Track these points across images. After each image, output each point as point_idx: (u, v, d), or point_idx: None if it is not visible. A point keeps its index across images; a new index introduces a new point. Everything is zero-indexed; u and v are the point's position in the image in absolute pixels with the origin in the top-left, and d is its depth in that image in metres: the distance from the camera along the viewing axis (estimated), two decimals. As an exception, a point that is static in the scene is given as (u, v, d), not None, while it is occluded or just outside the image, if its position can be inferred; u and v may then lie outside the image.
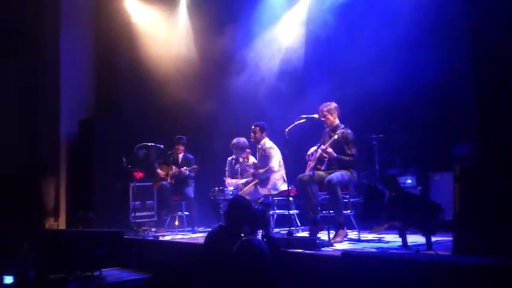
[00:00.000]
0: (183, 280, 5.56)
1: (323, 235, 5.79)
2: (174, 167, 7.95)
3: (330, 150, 5.81)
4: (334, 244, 5.40)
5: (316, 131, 6.41)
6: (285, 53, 8.52)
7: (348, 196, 6.01)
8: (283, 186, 6.57)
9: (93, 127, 9.15)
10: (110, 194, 8.73)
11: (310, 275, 4.63)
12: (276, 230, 6.65)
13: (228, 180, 7.53)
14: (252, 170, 7.01)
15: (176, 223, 8.06)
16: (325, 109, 6.02)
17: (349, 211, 5.98)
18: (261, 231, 4.78)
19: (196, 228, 7.61)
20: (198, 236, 6.96)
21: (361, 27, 7.20)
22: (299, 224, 6.67)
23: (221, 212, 6.97)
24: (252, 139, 7.03)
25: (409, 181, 6.81)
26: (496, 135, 4.17)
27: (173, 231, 7.65)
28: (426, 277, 3.36)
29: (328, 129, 6.12)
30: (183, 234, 7.41)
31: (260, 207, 5.01)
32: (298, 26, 8.48)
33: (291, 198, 6.49)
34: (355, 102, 6.25)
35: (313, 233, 5.81)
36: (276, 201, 6.82)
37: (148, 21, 9.71)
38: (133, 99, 9.36)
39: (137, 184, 8.34)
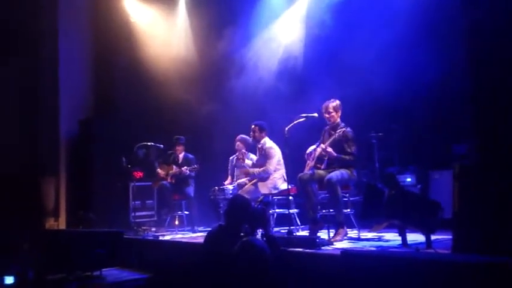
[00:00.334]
0: (183, 280, 5.57)
1: (323, 234, 5.79)
2: (174, 166, 7.95)
3: (329, 149, 5.81)
4: (334, 243, 5.40)
5: (315, 129, 6.41)
6: (284, 52, 8.52)
7: (347, 195, 6.01)
8: (283, 186, 6.57)
9: (93, 127, 9.15)
10: (109, 193, 8.73)
11: (310, 274, 4.63)
12: (276, 229, 6.65)
13: (227, 182, 7.57)
14: (247, 170, 6.98)
15: (176, 222, 8.06)
16: (331, 105, 5.97)
17: (348, 210, 5.99)
18: (260, 230, 4.79)
19: (196, 228, 7.61)
20: (198, 236, 6.96)
21: (361, 26, 7.19)
22: (299, 223, 6.67)
23: (221, 212, 6.98)
24: (251, 138, 7.04)
25: (408, 179, 6.82)
26: (495, 133, 4.17)
27: (173, 231, 7.65)
28: (426, 275, 3.36)
29: (328, 127, 6.12)
30: (183, 234, 7.41)
31: (260, 206, 5.01)
32: (298, 24, 8.48)
33: (290, 197, 6.49)
34: (355, 100, 6.24)
35: (313, 232, 5.81)
36: (275, 200, 6.82)
37: (147, 20, 9.70)
38: (132, 99, 9.36)
39: (137, 184, 8.35)
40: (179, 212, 8.01)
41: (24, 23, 9.14)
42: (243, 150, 7.23)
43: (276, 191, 6.74)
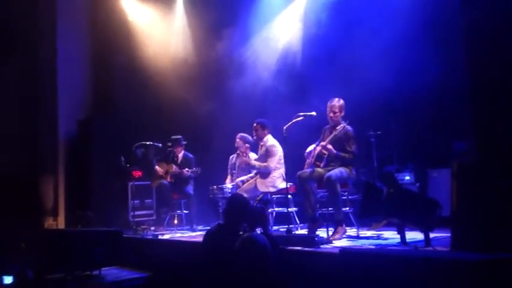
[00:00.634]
0: (183, 278, 5.57)
1: (322, 232, 5.79)
2: (174, 166, 7.93)
3: (329, 146, 5.80)
4: (333, 241, 5.40)
5: (314, 128, 6.41)
6: (282, 51, 8.53)
7: (346, 193, 6.02)
8: (282, 185, 6.57)
9: (92, 126, 9.14)
10: (108, 193, 8.74)
11: (309, 272, 4.63)
12: (274, 227, 6.66)
13: (228, 180, 7.58)
14: (250, 159, 6.94)
15: (175, 221, 8.07)
16: (337, 105, 5.94)
17: (347, 208, 5.99)
18: (259, 229, 4.80)
19: (195, 227, 7.61)
20: (197, 235, 6.96)
21: (360, 24, 7.19)
22: (298, 222, 6.68)
23: (220, 210, 6.98)
24: (254, 137, 7.03)
25: (407, 178, 6.83)
26: (493, 132, 4.17)
27: (172, 230, 7.65)
28: (424, 273, 3.36)
29: (328, 126, 6.11)
30: (182, 233, 7.42)
31: (259, 205, 5.02)
32: (296, 23, 8.48)
33: (289, 196, 6.50)
34: (354, 99, 6.24)
35: (312, 230, 5.81)
36: (274, 198, 6.82)
37: (145, 20, 9.69)
38: (131, 98, 9.35)
39: (136, 183, 8.35)
40: (178, 211, 8.01)
41: (22, 23, 9.13)
42: (247, 144, 7.19)
43: (274, 190, 6.75)
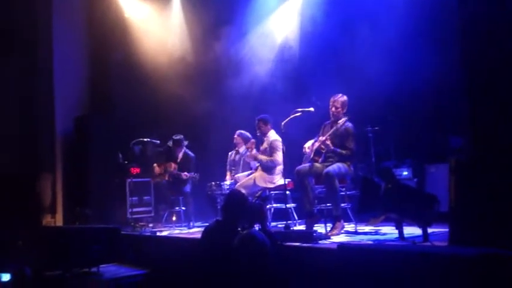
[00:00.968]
0: (181, 275, 5.57)
1: (320, 228, 5.80)
2: (173, 164, 7.90)
3: (328, 142, 5.80)
4: (331, 237, 5.41)
5: (311, 124, 6.41)
6: (279, 47, 8.52)
7: (344, 189, 6.02)
8: (280, 181, 6.57)
9: (89, 124, 9.12)
10: (106, 190, 8.73)
11: (308, 268, 4.63)
12: (273, 223, 6.66)
13: (227, 177, 7.57)
14: (256, 154, 6.92)
15: (173, 218, 8.06)
16: (340, 100, 5.94)
17: (345, 204, 6.00)
18: (257, 225, 4.80)
19: (192, 224, 7.61)
20: (195, 231, 6.96)
21: (357, 20, 7.20)
22: (296, 218, 6.68)
23: (218, 207, 6.98)
24: (257, 133, 7.02)
25: (405, 173, 6.84)
26: (491, 128, 4.18)
27: (170, 227, 7.65)
28: (423, 268, 3.36)
29: (328, 122, 6.11)
30: (180, 230, 7.42)
31: (257, 201, 5.02)
32: (293, 19, 8.48)
33: (288, 192, 6.50)
34: (351, 95, 6.23)
35: (309, 225, 5.82)
36: (273, 195, 6.83)
37: (142, 16, 9.66)
38: (128, 95, 9.32)
39: (134, 180, 8.34)
40: (176, 208, 8.00)
41: (18, 21, 9.10)
42: (253, 140, 7.17)
43: (272, 186, 6.75)
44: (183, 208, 7.91)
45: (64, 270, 5.84)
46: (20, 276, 5.76)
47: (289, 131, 6.09)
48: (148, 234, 7.06)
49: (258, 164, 6.99)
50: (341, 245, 4.35)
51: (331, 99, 6.00)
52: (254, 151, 6.94)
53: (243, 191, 5.94)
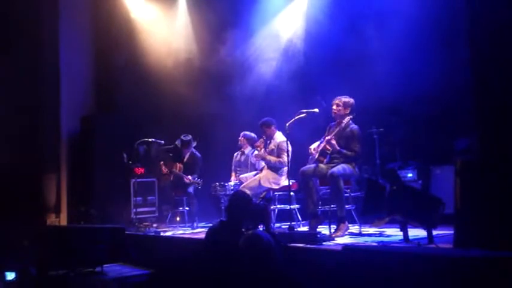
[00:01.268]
0: (185, 275, 5.57)
1: (324, 229, 5.79)
2: (178, 165, 7.91)
3: (333, 141, 5.79)
4: (336, 238, 5.40)
5: (316, 125, 6.41)
6: (285, 48, 8.51)
7: (349, 190, 6.02)
8: (285, 182, 6.57)
9: (94, 123, 9.15)
10: (111, 190, 8.74)
11: (312, 269, 4.63)
12: (277, 224, 6.66)
13: (232, 177, 7.58)
14: (264, 153, 6.93)
15: (177, 219, 8.07)
16: (342, 99, 5.93)
17: (350, 205, 5.99)
18: (261, 226, 4.79)
19: (196, 224, 7.60)
20: (199, 231, 6.96)
21: (363, 21, 7.18)
22: (300, 219, 6.68)
23: (222, 207, 6.99)
24: (264, 138, 7.03)
25: (409, 175, 6.82)
26: (497, 129, 4.16)
27: (174, 227, 7.66)
28: (427, 271, 3.35)
29: (334, 124, 6.10)
30: (184, 230, 7.42)
31: (261, 202, 5.02)
32: (298, 20, 8.46)
33: (292, 193, 6.50)
34: (357, 96, 6.22)
35: (313, 226, 5.82)
36: (277, 196, 6.83)
37: (148, 17, 9.66)
38: (133, 95, 9.33)
39: (138, 180, 8.35)
40: (180, 208, 8.01)
41: (25, 20, 9.12)
42: (261, 139, 7.15)
43: (277, 187, 6.76)
44: (187, 208, 7.91)
45: (68, 269, 5.85)
46: (25, 276, 5.79)
47: (294, 132, 6.09)
48: (153, 234, 7.07)
49: (263, 165, 6.99)
50: (346, 246, 4.34)
51: (335, 99, 6.00)
52: (263, 150, 6.96)
53: (248, 192, 5.95)
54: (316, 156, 5.95)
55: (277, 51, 8.58)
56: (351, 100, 5.98)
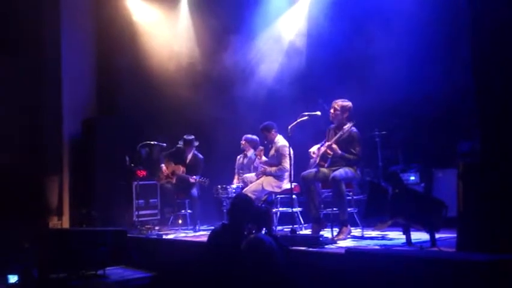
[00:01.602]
0: (187, 278, 5.57)
1: (326, 232, 5.79)
2: (181, 167, 7.89)
3: (334, 146, 5.79)
4: (338, 241, 5.39)
5: (319, 128, 6.40)
6: (287, 51, 8.51)
7: (351, 193, 6.01)
8: (287, 186, 6.57)
9: (96, 126, 9.15)
10: (113, 192, 8.73)
11: (314, 272, 4.62)
12: (279, 227, 6.65)
13: (235, 180, 7.57)
14: (264, 168, 6.97)
15: (179, 221, 8.06)
16: (340, 103, 5.92)
17: (352, 208, 5.98)
18: (264, 229, 4.78)
19: (198, 227, 7.59)
20: (201, 234, 6.96)
21: (365, 23, 7.18)
22: (302, 222, 6.67)
23: (224, 210, 6.98)
24: (265, 142, 7.04)
25: (412, 178, 6.81)
26: (499, 131, 4.15)
27: (176, 230, 7.65)
28: (430, 274, 3.35)
29: (333, 126, 6.10)
30: (186, 233, 7.42)
31: (264, 205, 5.02)
32: (300, 22, 8.47)
33: (294, 196, 6.49)
34: (359, 98, 6.22)
35: (316, 231, 5.81)
36: (279, 199, 6.82)
37: (150, 19, 9.67)
38: (135, 98, 9.34)
39: (140, 183, 8.34)
40: (182, 211, 8.00)
41: (27, 21, 9.13)
42: (261, 147, 7.18)
43: (278, 190, 6.75)
44: (189, 211, 7.89)
45: (70, 272, 5.84)
46: (27, 278, 5.78)
47: (296, 135, 6.08)
48: (155, 237, 7.06)
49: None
50: (349, 249, 4.34)
51: (335, 103, 6.00)
52: (263, 158, 7.02)
53: (251, 195, 5.94)
54: (317, 161, 5.95)
55: (279, 53, 8.58)
56: (349, 104, 5.97)
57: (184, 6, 9.52)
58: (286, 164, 6.66)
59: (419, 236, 5.08)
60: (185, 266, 5.77)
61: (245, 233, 4.54)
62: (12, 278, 5.82)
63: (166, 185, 7.92)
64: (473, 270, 3.18)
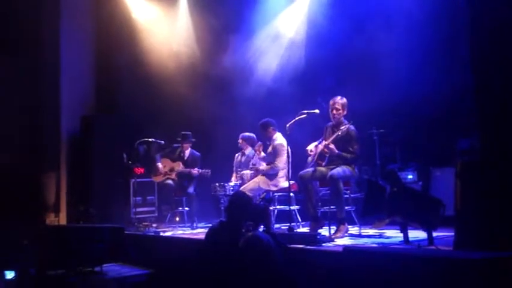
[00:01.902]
0: (184, 275, 5.57)
1: (324, 231, 5.79)
2: (180, 164, 7.90)
3: (332, 146, 5.78)
4: (335, 239, 5.40)
5: (317, 126, 6.40)
6: (286, 49, 8.51)
7: (348, 192, 6.01)
8: (285, 184, 6.56)
9: (94, 123, 9.13)
10: (110, 189, 8.73)
11: (311, 270, 4.63)
12: (276, 225, 6.65)
13: (233, 178, 7.57)
14: (259, 165, 6.98)
15: (177, 219, 8.06)
16: (340, 102, 5.92)
17: (350, 207, 5.98)
18: (262, 227, 4.78)
19: (195, 224, 7.59)
20: (199, 232, 6.96)
21: (364, 21, 7.18)
22: (299, 220, 6.68)
23: (222, 208, 6.98)
24: (265, 139, 7.05)
25: (410, 176, 6.82)
26: (498, 130, 4.16)
27: (174, 227, 7.65)
28: (427, 272, 3.35)
29: (330, 124, 6.10)
30: (183, 230, 7.42)
31: (262, 203, 5.02)
32: (300, 21, 8.46)
33: (291, 194, 6.49)
34: (357, 97, 6.22)
35: (314, 229, 5.81)
36: (276, 196, 6.82)
37: (149, 17, 9.65)
38: (133, 95, 9.33)
39: (138, 180, 8.34)
40: (180, 208, 8.00)
41: (25, 20, 9.12)
42: (259, 142, 7.18)
43: (275, 188, 6.75)
44: (186, 208, 7.90)
45: (67, 269, 5.84)
46: (24, 275, 5.77)
47: (295, 133, 6.08)
48: (152, 234, 7.06)
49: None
50: (347, 247, 4.34)
51: (331, 102, 5.99)
52: (262, 154, 7.03)
53: (248, 193, 5.94)
54: (315, 160, 5.95)
55: (278, 52, 8.57)
56: (345, 100, 5.97)
57: (183, 3, 9.50)
58: (279, 162, 6.67)
59: (416, 234, 5.09)
60: (182, 264, 5.77)
61: (243, 230, 4.54)
62: (9, 274, 5.81)
63: (166, 182, 7.90)
64: (470, 268, 3.18)
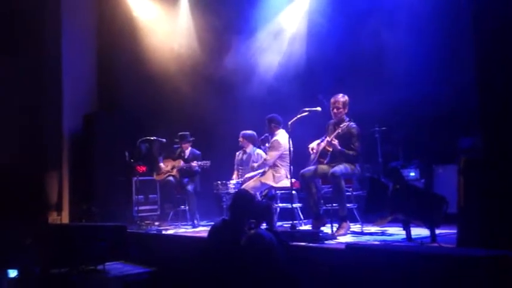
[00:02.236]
0: (187, 273, 5.57)
1: (326, 228, 5.79)
2: (181, 161, 7.91)
3: (335, 141, 5.77)
4: (338, 237, 5.40)
5: (319, 123, 6.39)
6: (287, 47, 8.50)
7: (350, 189, 6.01)
8: (286, 183, 6.55)
9: (96, 121, 9.15)
10: (113, 188, 8.75)
11: (314, 268, 4.62)
12: (278, 223, 6.64)
13: (234, 176, 7.58)
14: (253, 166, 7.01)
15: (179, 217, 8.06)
16: (341, 101, 5.90)
17: (352, 204, 5.98)
18: (264, 224, 4.78)
19: (196, 223, 7.59)
20: (201, 230, 6.96)
21: (366, 18, 7.16)
22: (302, 218, 6.67)
23: (224, 206, 6.98)
24: (267, 133, 7.04)
25: (412, 174, 6.80)
26: (500, 128, 4.14)
27: (176, 225, 7.66)
28: (430, 270, 3.35)
29: (332, 121, 6.09)
30: (186, 228, 7.42)
31: (264, 201, 5.02)
32: (301, 19, 8.45)
33: (294, 192, 6.48)
34: (359, 94, 6.21)
35: (316, 227, 5.81)
36: (279, 194, 6.82)
37: (150, 15, 9.66)
38: (135, 94, 9.34)
39: (140, 178, 8.34)
40: (182, 207, 8.00)
41: (27, 18, 9.13)
42: (265, 135, 7.18)
43: (277, 185, 6.74)
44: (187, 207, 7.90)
45: (70, 267, 5.84)
46: (27, 274, 5.77)
47: (296, 131, 6.07)
48: (154, 232, 7.06)
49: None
50: (349, 245, 4.33)
51: (332, 100, 5.98)
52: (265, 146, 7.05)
53: (251, 191, 5.93)
54: (317, 157, 5.94)
55: (279, 50, 8.56)
56: (347, 97, 5.96)
57: (184, 2, 9.50)
58: (270, 157, 6.68)
59: (419, 232, 5.09)
60: (185, 262, 5.77)
61: (246, 228, 4.54)
62: (12, 273, 5.82)
63: (168, 179, 7.90)
64: (473, 265, 3.17)
